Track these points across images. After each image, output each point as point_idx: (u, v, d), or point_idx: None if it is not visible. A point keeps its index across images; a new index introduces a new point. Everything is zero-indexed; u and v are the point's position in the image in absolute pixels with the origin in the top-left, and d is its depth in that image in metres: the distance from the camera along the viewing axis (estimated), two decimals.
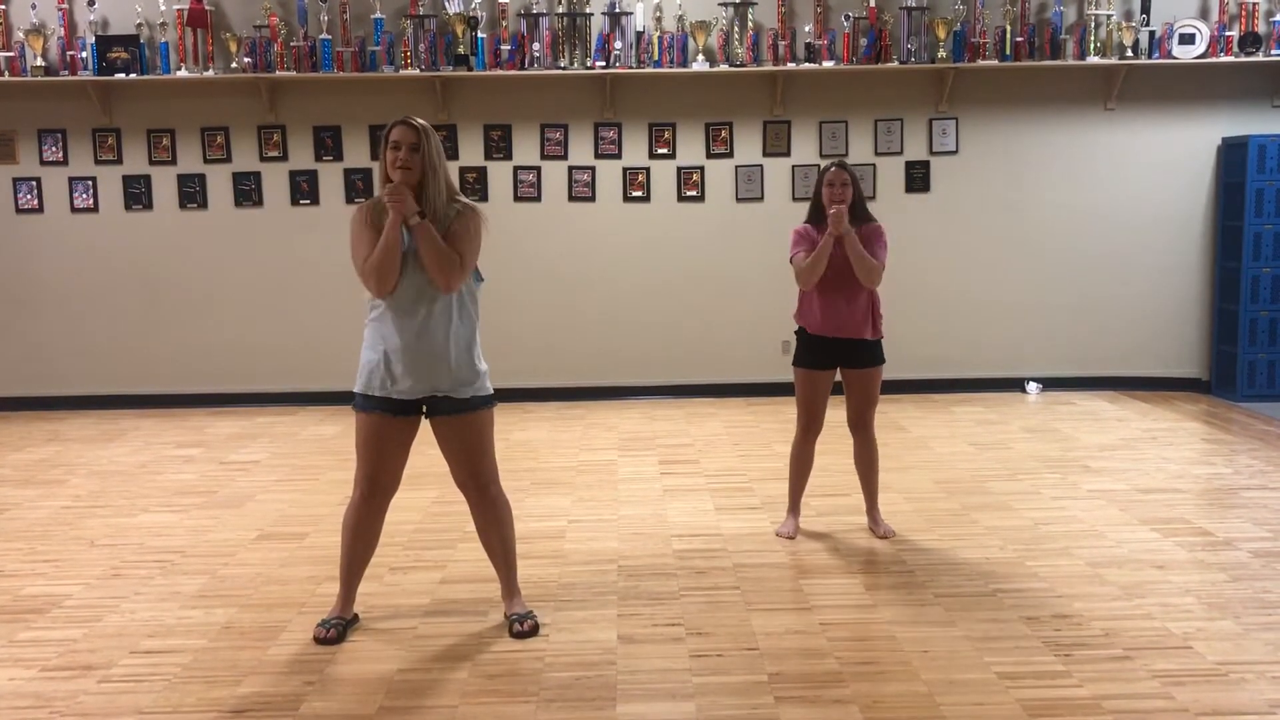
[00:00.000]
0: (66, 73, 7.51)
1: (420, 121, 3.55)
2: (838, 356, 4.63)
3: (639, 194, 7.89)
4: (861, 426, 4.71)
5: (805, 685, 3.31)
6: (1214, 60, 7.58)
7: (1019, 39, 7.60)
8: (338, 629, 3.71)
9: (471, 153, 7.80)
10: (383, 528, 3.79)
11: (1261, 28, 7.62)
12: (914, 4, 7.57)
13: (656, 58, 7.56)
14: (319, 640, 3.68)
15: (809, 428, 4.71)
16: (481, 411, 3.65)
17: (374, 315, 3.61)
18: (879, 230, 4.61)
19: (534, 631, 3.72)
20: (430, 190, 3.53)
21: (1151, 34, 7.62)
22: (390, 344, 3.55)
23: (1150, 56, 7.63)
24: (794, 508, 4.83)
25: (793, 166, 7.86)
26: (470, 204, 3.66)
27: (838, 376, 4.69)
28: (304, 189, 7.81)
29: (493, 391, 3.71)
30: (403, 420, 3.63)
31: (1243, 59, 7.57)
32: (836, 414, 4.82)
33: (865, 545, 4.62)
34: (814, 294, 4.58)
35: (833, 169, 4.55)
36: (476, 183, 7.79)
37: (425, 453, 3.98)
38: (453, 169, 7.59)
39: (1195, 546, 4.54)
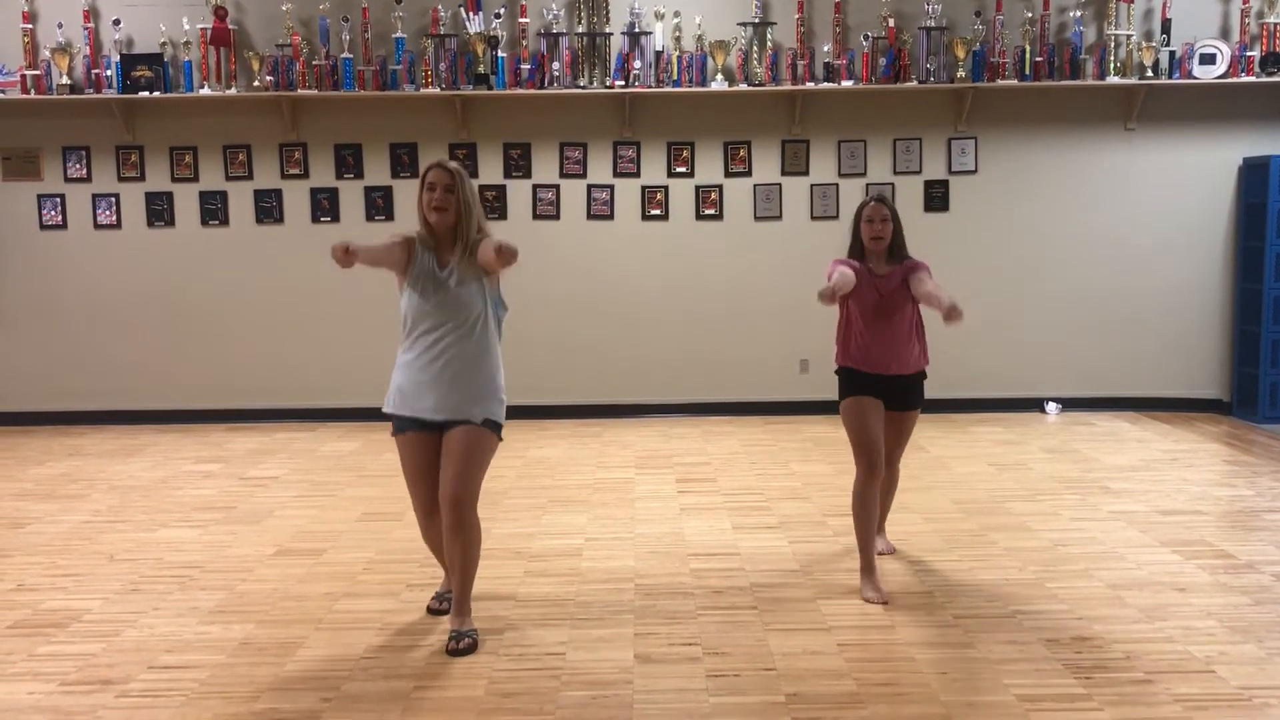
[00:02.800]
0: (91, 91, 7.60)
1: (455, 165, 3.85)
2: (883, 394, 4.35)
3: (657, 212, 7.90)
4: (889, 464, 4.55)
5: (823, 706, 3.29)
6: (1235, 80, 7.55)
7: (1038, 59, 7.60)
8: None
9: (491, 171, 7.83)
10: None
11: None
12: (933, 24, 7.58)
13: (675, 77, 7.59)
14: (431, 611, 4.07)
15: (871, 467, 4.28)
16: (489, 432, 3.80)
17: (404, 345, 3.82)
18: (922, 264, 4.33)
19: (470, 650, 3.74)
20: (464, 228, 3.79)
21: (1172, 54, 7.60)
22: (417, 373, 3.77)
23: (1171, 76, 7.61)
24: (869, 566, 4.28)
25: (811, 185, 7.86)
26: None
27: None
28: (325, 206, 7.86)
29: (503, 423, 3.87)
30: (435, 437, 3.81)
31: (1264, 79, 7.55)
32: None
33: (884, 565, 4.58)
34: (857, 328, 4.34)
35: (871, 204, 4.34)
36: (496, 201, 7.82)
37: None
38: None
39: (1217, 569, 4.50)
